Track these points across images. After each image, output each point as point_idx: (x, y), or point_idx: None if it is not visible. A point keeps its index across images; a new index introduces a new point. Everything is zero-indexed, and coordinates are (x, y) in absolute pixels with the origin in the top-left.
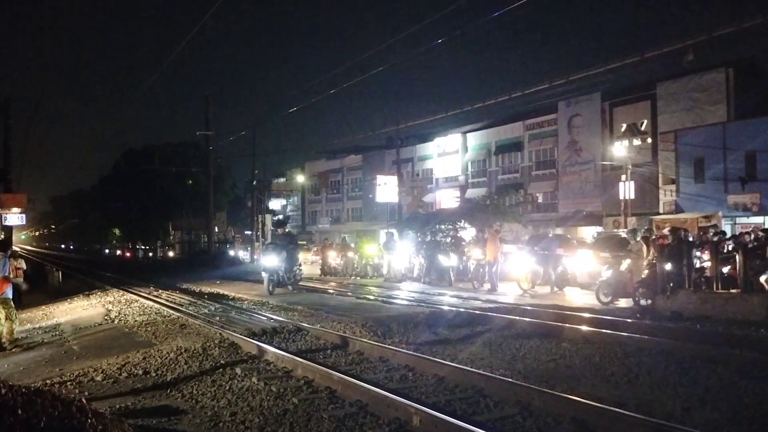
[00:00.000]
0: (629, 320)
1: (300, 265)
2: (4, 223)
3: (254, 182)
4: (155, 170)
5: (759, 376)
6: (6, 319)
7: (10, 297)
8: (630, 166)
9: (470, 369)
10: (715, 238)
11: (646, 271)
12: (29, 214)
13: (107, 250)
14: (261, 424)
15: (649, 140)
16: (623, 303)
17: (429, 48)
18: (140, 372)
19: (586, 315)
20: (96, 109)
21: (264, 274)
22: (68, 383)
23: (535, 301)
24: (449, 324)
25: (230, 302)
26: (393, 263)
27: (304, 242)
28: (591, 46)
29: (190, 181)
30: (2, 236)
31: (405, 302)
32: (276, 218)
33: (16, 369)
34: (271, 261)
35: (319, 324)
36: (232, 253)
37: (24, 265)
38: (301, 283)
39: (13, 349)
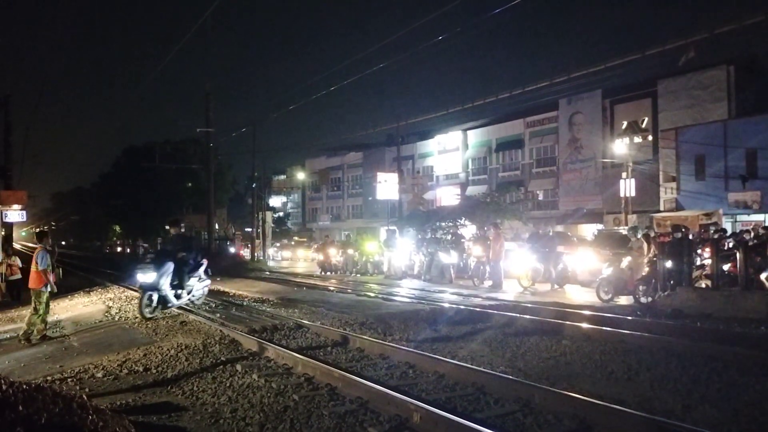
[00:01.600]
0: (630, 318)
1: (202, 275)
2: (4, 220)
3: (255, 179)
4: (156, 167)
5: (759, 373)
6: (33, 310)
7: (44, 291)
8: (631, 164)
9: (471, 366)
10: (716, 236)
11: (647, 269)
12: (30, 210)
13: (108, 249)
14: (261, 421)
15: (650, 138)
16: (624, 300)
17: (430, 45)
18: (141, 369)
19: (587, 312)
20: (96, 105)
21: (139, 292)
22: (69, 380)
23: (535, 299)
24: (450, 321)
25: (230, 299)
26: (393, 260)
27: (304, 240)
28: (592, 43)
29: (190, 182)
30: (3, 231)
31: (405, 299)
32: (173, 218)
33: (17, 365)
34: (147, 275)
35: (319, 321)
36: (232, 250)
37: (19, 263)
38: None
39: (22, 342)
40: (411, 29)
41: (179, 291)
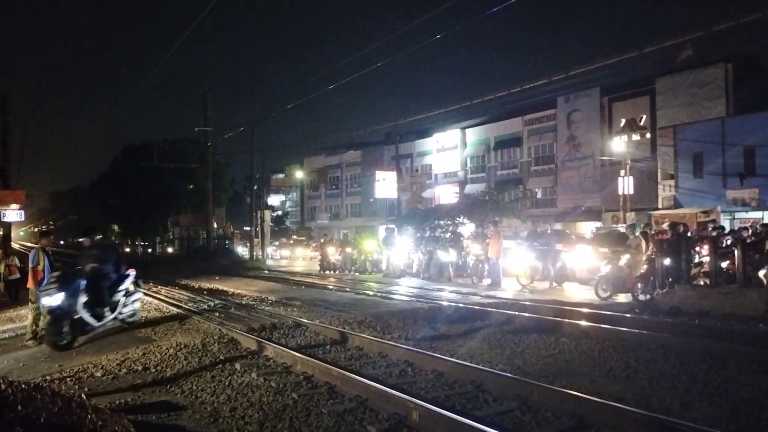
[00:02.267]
0: (628, 315)
1: (130, 287)
2: (2, 220)
3: (253, 178)
4: (154, 166)
5: (757, 370)
6: (33, 309)
7: (34, 291)
8: (629, 162)
9: (469, 364)
10: (714, 233)
11: (645, 266)
12: (28, 210)
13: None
14: (261, 420)
15: (648, 135)
16: (622, 298)
17: (428, 44)
18: (140, 368)
19: (585, 310)
20: (95, 105)
21: (46, 317)
22: (68, 379)
23: (534, 297)
24: (448, 319)
25: (229, 298)
26: (392, 259)
27: (303, 238)
28: (590, 41)
29: (189, 182)
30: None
31: (404, 298)
32: (90, 226)
33: (16, 365)
34: (53, 297)
35: (318, 320)
36: (231, 248)
37: (17, 262)
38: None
39: (27, 342)
40: (409, 28)
41: (101, 309)
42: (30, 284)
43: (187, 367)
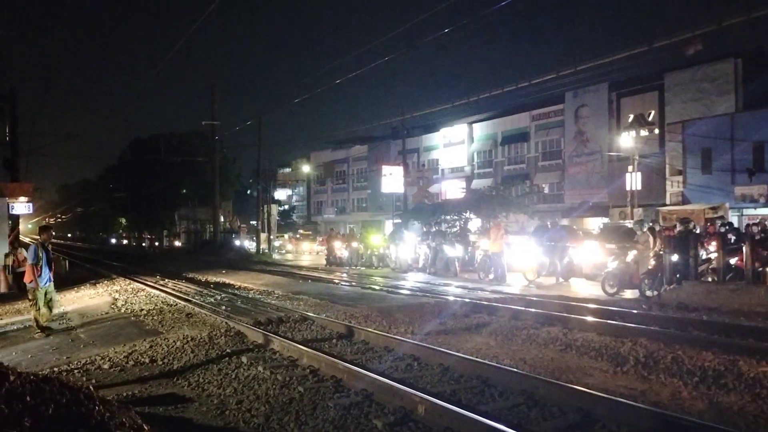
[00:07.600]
0: (635, 311)
1: None
2: (11, 212)
3: (260, 172)
4: (161, 160)
5: (767, 366)
6: (32, 304)
7: (32, 287)
8: (637, 157)
9: (475, 359)
10: (722, 230)
11: (653, 262)
12: (36, 203)
13: (113, 240)
14: (267, 413)
15: (657, 131)
16: (629, 294)
17: (435, 38)
18: (147, 360)
19: (592, 306)
20: (102, 98)
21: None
22: (76, 371)
23: (540, 292)
24: (455, 314)
25: (236, 291)
26: (399, 253)
27: (309, 233)
28: (598, 35)
29: (196, 175)
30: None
31: (410, 292)
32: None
33: (24, 357)
34: None
35: (324, 314)
36: (237, 242)
37: (26, 254)
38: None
39: (36, 335)
40: (417, 22)
41: None
42: (27, 279)
43: (194, 359)
